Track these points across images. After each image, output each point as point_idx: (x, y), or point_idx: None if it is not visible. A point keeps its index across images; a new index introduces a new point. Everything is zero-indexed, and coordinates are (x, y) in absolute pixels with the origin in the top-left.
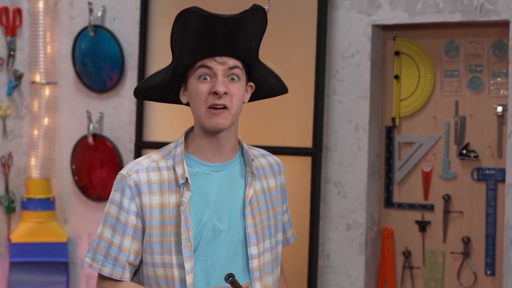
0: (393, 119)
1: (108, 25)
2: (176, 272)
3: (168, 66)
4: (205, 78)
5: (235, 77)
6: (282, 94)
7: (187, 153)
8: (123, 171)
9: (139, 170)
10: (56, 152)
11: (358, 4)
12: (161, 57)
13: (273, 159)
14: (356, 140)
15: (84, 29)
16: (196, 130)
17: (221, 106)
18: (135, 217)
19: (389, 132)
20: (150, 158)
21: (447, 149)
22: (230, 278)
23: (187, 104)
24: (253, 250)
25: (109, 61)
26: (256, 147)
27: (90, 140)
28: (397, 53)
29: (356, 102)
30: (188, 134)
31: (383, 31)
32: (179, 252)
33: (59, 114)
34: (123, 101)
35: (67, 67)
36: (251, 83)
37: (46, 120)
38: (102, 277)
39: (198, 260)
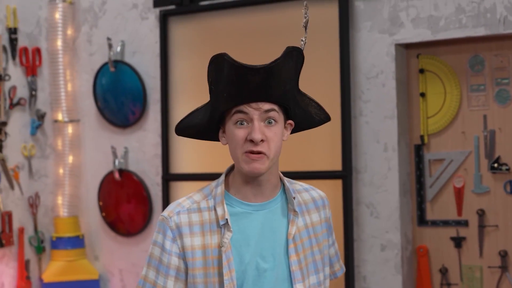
0: (422, 137)
1: (128, 59)
2: None
3: (206, 105)
4: (241, 123)
5: (272, 121)
6: (324, 123)
7: (228, 193)
8: (164, 213)
9: (180, 212)
10: (82, 190)
11: (379, 24)
12: (183, 88)
13: (317, 193)
14: (386, 160)
15: (104, 65)
16: (236, 171)
17: (258, 153)
18: (177, 258)
19: (418, 150)
20: (191, 199)
21: (478, 163)
22: None
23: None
24: (298, 287)
25: (131, 96)
26: (300, 182)
27: (117, 175)
28: (421, 71)
29: (384, 122)
30: (229, 172)
31: (406, 49)
32: None
33: (83, 151)
34: (147, 134)
35: (88, 104)
36: (290, 121)
37: (70, 158)
38: None
39: None
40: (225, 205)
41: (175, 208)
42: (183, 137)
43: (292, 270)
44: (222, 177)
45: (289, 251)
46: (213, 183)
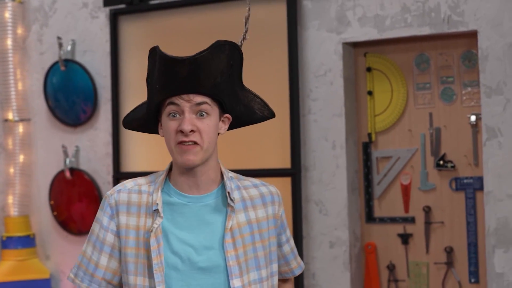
0: (369, 135)
1: (78, 58)
2: None
3: (145, 101)
4: (174, 115)
5: (204, 113)
6: (268, 119)
7: (169, 182)
8: (108, 192)
9: (121, 191)
10: (33, 189)
11: (327, 23)
12: (134, 87)
13: (267, 189)
14: (334, 157)
15: (55, 64)
16: (173, 164)
17: (190, 143)
18: (113, 236)
19: (366, 147)
20: (135, 181)
21: (424, 161)
22: None
23: None
24: (235, 282)
25: (82, 94)
26: (252, 179)
27: (68, 174)
28: (369, 69)
29: (332, 120)
30: None
31: (353, 48)
32: (151, 275)
33: (34, 150)
34: (98, 133)
35: (39, 103)
36: (227, 115)
37: (21, 157)
38: None
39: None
40: (160, 192)
41: (117, 187)
42: (134, 135)
43: (228, 265)
44: (167, 166)
45: (226, 246)
46: (160, 171)
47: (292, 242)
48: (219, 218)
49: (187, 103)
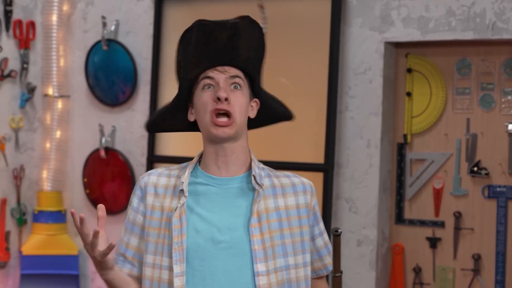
0: (405, 136)
1: (121, 39)
2: (164, 274)
3: (166, 105)
4: (208, 87)
5: (238, 86)
6: (287, 119)
7: (198, 166)
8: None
9: (151, 173)
10: (68, 165)
11: (370, 21)
12: (173, 71)
13: (299, 179)
14: (368, 156)
15: (97, 42)
16: (204, 145)
17: (224, 112)
18: (142, 217)
19: (401, 148)
20: (168, 167)
21: (458, 166)
22: (337, 231)
23: (195, 126)
24: (260, 267)
25: (122, 75)
26: (284, 171)
27: (102, 153)
28: (409, 70)
29: (368, 118)
30: None
31: (395, 48)
32: (170, 255)
33: (71, 127)
34: (135, 114)
35: (79, 81)
36: (255, 99)
37: (58, 133)
38: None
39: (194, 268)
40: (187, 173)
41: (150, 171)
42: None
43: (254, 249)
44: (199, 153)
45: (252, 230)
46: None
47: (326, 236)
48: (245, 202)
49: (222, 74)
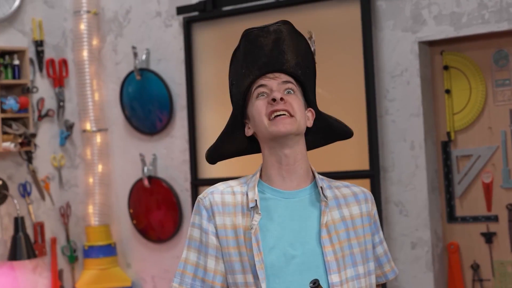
0: (448, 134)
1: (153, 67)
2: None
3: (227, 123)
4: (262, 95)
5: (291, 91)
6: (347, 136)
7: (261, 180)
8: (200, 195)
9: (213, 192)
10: (112, 198)
11: (402, 23)
12: (208, 94)
13: (359, 189)
14: (413, 158)
15: (130, 73)
16: (264, 158)
17: (283, 113)
18: (215, 237)
19: (445, 147)
20: (226, 183)
21: (506, 158)
22: (315, 284)
23: (254, 147)
24: (334, 278)
25: (157, 103)
26: (340, 181)
27: (146, 182)
28: (446, 68)
29: (409, 120)
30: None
31: (429, 47)
32: (255, 273)
33: (112, 159)
34: (174, 141)
35: (116, 113)
36: (310, 109)
37: (100, 167)
38: None
39: (272, 286)
40: (256, 190)
41: (209, 189)
42: (210, 142)
43: (326, 260)
44: (259, 168)
45: (323, 242)
46: (250, 175)
47: (385, 245)
48: (313, 214)
49: (273, 80)
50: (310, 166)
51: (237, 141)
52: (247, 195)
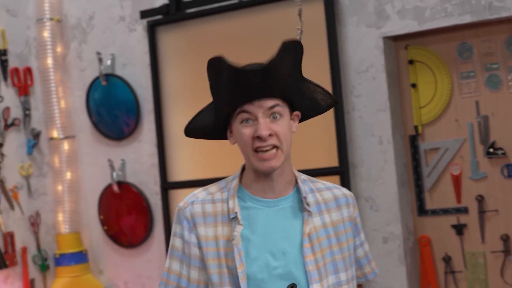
0: (416, 128)
1: (119, 72)
2: None
3: (210, 106)
4: (247, 122)
5: (277, 115)
6: (331, 108)
7: (242, 187)
8: (180, 204)
9: (194, 202)
10: (82, 205)
11: (366, 18)
12: (175, 97)
13: (340, 191)
14: (382, 153)
15: (96, 79)
16: (247, 167)
17: (269, 148)
18: (197, 248)
19: (413, 140)
20: (207, 190)
21: (474, 150)
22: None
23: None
24: (315, 287)
25: (124, 108)
26: (323, 180)
27: (115, 188)
28: (411, 62)
29: (377, 115)
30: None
31: (394, 42)
32: (235, 285)
33: (80, 166)
34: (142, 145)
35: (83, 119)
36: (296, 113)
37: (68, 174)
38: None
39: None
40: (236, 199)
41: (189, 198)
42: (178, 144)
43: (308, 270)
44: (238, 172)
45: (304, 251)
46: (230, 177)
47: (366, 246)
48: (295, 223)
49: (259, 108)
50: (293, 170)
51: (217, 134)
52: (228, 202)
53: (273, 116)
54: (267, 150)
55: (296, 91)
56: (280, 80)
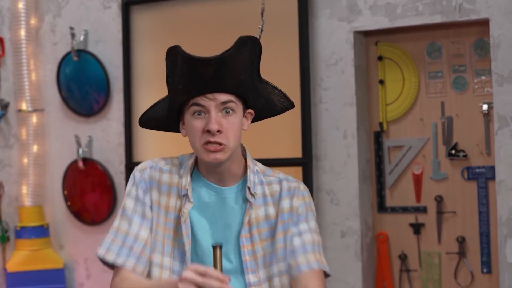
0: (381, 124)
1: (91, 48)
2: (173, 277)
3: (166, 98)
4: (199, 114)
5: (230, 111)
6: (287, 110)
7: (197, 168)
8: (138, 166)
9: (153, 168)
10: (47, 179)
11: (338, 12)
12: (146, 77)
13: (289, 184)
14: (345, 147)
15: (68, 54)
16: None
17: (216, 144)
18: (150, 210)
19: (378, 137)
20: (166, 160)
21: (436, 150)
22: (216, 245)
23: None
24: (251, 277)
25: (95, 85)
26: (279, 172)
27: (81, 164)
28: (380, 58)
29: (343, 109)
30: None
31: (365, 37)
32: (176, 258)
33: (47, 140)
34: (111, 123)
35: (52, 93)
36: (249, 111)
37: (35, 148)
38: (115, 272)
39: None
40: (189, 177)
41: (149, 163)
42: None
43: (244, 259)
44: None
45: (242, 241)
46: (188, 154)
47: (307, 237)
48: (238, 212)
49: (212, 102)
50: (247, 159)
51: (170, 126)
52: (182, 178)
53: (225, 111)
54: (214, 143)
55: (252, 89)
56: (234, 74)
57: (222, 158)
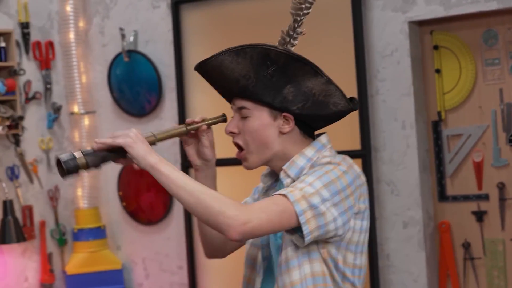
0: (439, 113)
1: (141, 48)
2: None
3: None
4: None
5: (246, 116)
6: (345, 113)
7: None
8: (356, 166)
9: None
10: (102, 181)
11: (392, 2)
12: (197, 75)
13: (322, 160)
14: (404, 137)
15: (118, 55)
16: None
17: (237, 146)
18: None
19: (436, 126)
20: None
21: (496, 137)
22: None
23: None
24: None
25: (146, 85)
26: (335, 157)
27: (135, 165)
28: (436, 47)
29: (400, 100)
30: None
31: (419, 27)
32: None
33: None
34: (163, 123)
35: (104, 95)
36: (285, 114)
37: None
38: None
39: None
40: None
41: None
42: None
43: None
44: None
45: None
46: None
47: (297, 183)
48: None
49: (233, 105)
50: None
51: None
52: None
53: (242, 115)
54: (237, 147)
55: (273, 94)
56: (231, 80)
57: (247, 166)
